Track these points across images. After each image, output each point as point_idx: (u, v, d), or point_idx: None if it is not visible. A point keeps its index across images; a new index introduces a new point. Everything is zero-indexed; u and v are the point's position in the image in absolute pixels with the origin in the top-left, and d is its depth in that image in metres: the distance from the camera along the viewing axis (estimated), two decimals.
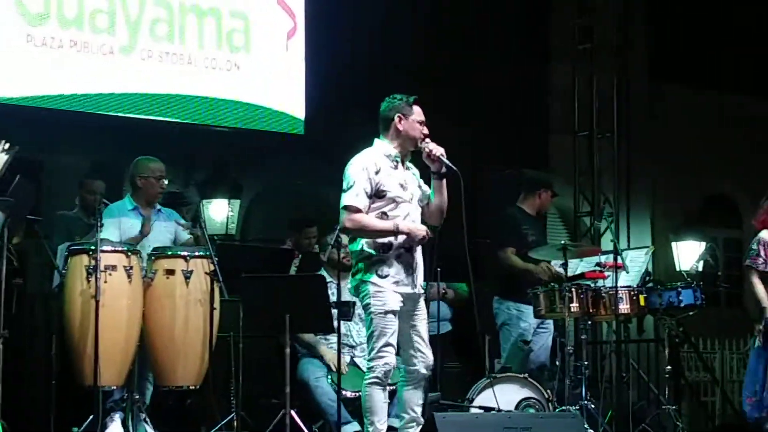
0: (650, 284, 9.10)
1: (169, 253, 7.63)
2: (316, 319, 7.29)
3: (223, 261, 7.53)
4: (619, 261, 8.48)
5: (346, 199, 6.42)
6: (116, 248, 7.38)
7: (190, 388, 7.59)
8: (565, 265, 8.28)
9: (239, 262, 7.71)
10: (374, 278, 6.38)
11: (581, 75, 13.79)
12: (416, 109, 6.55)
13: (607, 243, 11.85)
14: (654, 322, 11.08)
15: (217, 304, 7.54)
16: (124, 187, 8.79)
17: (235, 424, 7.58)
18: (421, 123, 6.53)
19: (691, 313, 9.06)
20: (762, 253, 8.40)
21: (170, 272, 7.51)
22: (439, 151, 6.46)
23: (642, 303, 8.65)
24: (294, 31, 11.54)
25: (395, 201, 6.46)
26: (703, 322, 11.28)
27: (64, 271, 7.39)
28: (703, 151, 16.11)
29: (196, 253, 7.59)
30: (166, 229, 8.04)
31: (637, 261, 9.10)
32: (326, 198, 12.09)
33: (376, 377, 6.37)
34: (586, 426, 7.63)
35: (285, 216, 11.03)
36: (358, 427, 7.66)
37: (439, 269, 7.95)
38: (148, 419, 7.44)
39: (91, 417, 7.15)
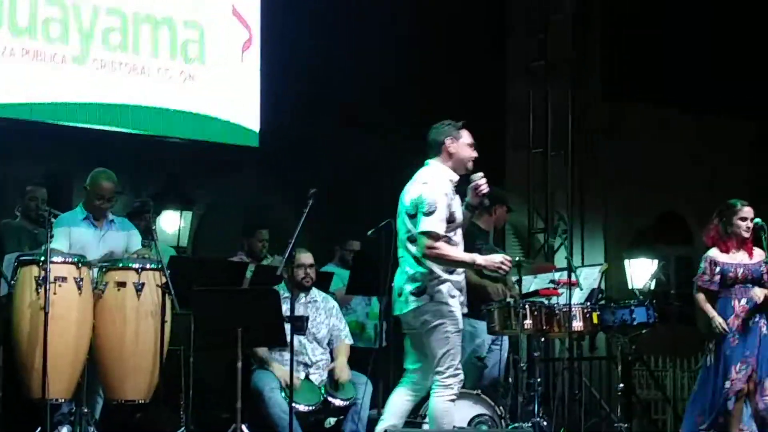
0: (602, 302, 9.10)
1: (120, 265, 7.54)
2: (268, 333, 7.22)
3: (176, 273, 7.45)
4: (573, 278, 8.47)
5: (428, 224, 6.44)
6: (66, 259, 7.28)
7: (140, 402, 7.49)
8: (519, 282, 8.27)
9: (191, 275, 7.62)
10: (447, 298, 6.50)
11: (536, 91, 13.82)
12: (465, 132, 6.72)
13: (561, 260, 11.86)
14: (606, 339, 11.09)
15: (168, 317, 7.45)
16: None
17: None
18: (470, 145, 6.71)
19: (643, 331, 9.08)
20: (708, 271, 8.43)
21: (121, 284, 7.42)
22: (486, 189, 6.68)
23: (595, 320, 8.64)
24: (249, 43, 11.50)
25: (459, 226, 6.64)
26: (654, 341, 11.31)
27: (12, 282, 7.27)
28: (656, 169, 16.21)
29: (148, 266, 7.51)
30: (118, 239, 7.94)
31: (590, 278, 9.11)
32: (278, 210, 12.07)
33: (455, 394, 6.52)
34: None
35: (237, 228, 10.96)
36: None
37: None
38: None
39: (38, 430, 7.05)
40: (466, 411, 8.01)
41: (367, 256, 8.48)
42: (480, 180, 6.69)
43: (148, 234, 7.94)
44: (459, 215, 6.62)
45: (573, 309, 8.37)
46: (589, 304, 8.64)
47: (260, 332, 7.18)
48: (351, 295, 9.23)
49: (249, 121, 11.42)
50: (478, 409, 8.04)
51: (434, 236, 6.42)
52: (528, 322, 8.19)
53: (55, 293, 7.07)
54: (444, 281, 6.50)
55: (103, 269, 7.51)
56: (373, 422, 7.79)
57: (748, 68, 16.43)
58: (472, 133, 6.76)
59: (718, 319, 8.28)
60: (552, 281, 8.69)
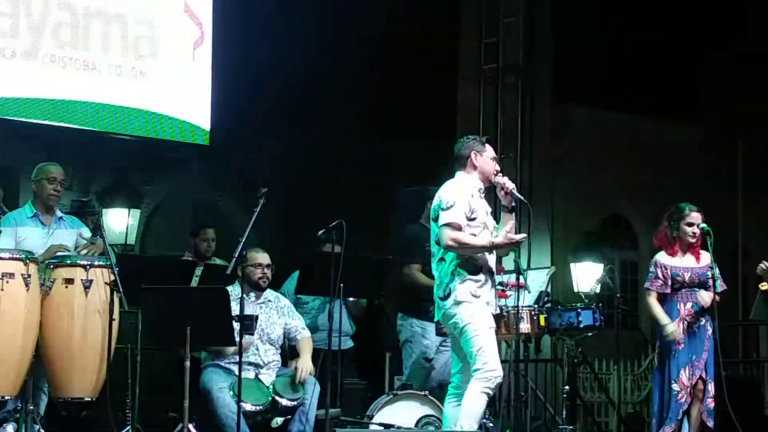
0: (548, 305, 9.15)
1: (69, 261, 7.47)
2: (217, 332, 7.20)
3: (124, 271, 7.41)
4: (521, 280, 8.51)
5: (448, 217, 6.72)
6: (14, 255, 7.20)
7: (86, 400, 7.43)
8: None
9: (140, 273, 7.57)
10: (470, 298, 6.73)
11: (487, 95, 13.87)
12: (488, 147, 7.02)
13: (508, 262, 11.89)
14: (552, 342, 11.15)
15: (116, 315, 7.41)
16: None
17: None
18: (493, 159, 7.00)
19: (589, 334, 9.13)
20: (660, 274, 8.47)
21: (69, 281, 7.35)
22: (511, 185, 6.89)
23: (542, 323, 8.69)
24: (201, 41, 11.47)
25: (484, 226, 6.85)
26: (598, 344, 11.39)
27: None
28: (603, 173, 16.34)
29: (96, 263, 7.46)
30: (67, 237, 7.89)
31: (537, 281, 9.15)
32: (227, 209, 12.05)
33: (490, 388, 6.69)
34: None
35: (186, 226, 10.92)
36: None
37: (342, 284, 7.91)
38: (42, 430, 7.30)
39: None
40: (414, 412, 8.05)
41: (317, 255, 8.48)
42: (501, 179, 6.91)
43: (97, 231, 7.89)
44: (483, 216, 6.85)
45: (521, 311, 8.41)
46: (536, 306, 8.69)
47: (209, 331, 7.16)
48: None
49: (200, 118, 11.38)
50: (426, 410, 8.08)
51: (455, 226, 6.69)
52: None
53: (2, 289, 7.00)
54: (465, 281, 6.73)
55: (51, 266, 7.44)
56: (320, 423, 7.81)
57: (694, 73, 16.63)
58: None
59: (672, 327, 8.33)
60: (500, 283, 8.72)
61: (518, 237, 6.84)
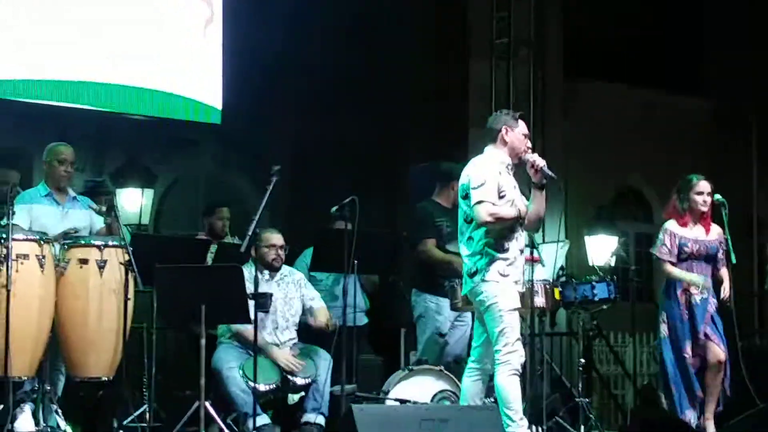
0: (563, 278, 9.15)
1: (83, 242, 7.51)
2: (232, 309, 7.22)
3: (138, 251, 7.43)
4: (536, 254, 8.50)
5: (480, 195, 6.73)
6: (28, 237, 7.23)
7: (103, 379, 7.47)
8: None
9: (154, 252, 7.59)
10: (497, 277, 6.75)
11: (499, 70, 13.82)
12: (521, 123, 7.01)
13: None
14: (567, 315, 11.16)
15: (131, 295, 7.43)
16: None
17: (148, 416, 7.50)
18: (525, 136, 6.98)
19: (604, 307, 9.13)
20: (667, 242, 8.43)
21: (84, 262, 7.38)
22: (541, 162, 6.86)
23: (557, 296, 8.68)
24: (212, 19, 11.45)
25: (513, 202, 6.85)
26: (614, 316, 11.40)
27: None
28: (615, 146, 16.31)
29: (111, 243, 7.48)
30: (82, 217, 7.91)
31: (552, 254, 9.14)
32: (240, 188, 12.07)
33: (515, 369, 6.73)
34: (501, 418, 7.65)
35: (199, 206, 10.95)
36: (268, 420, 7.65)
37: (356, 261, 7.92)
38: (59, 410, 7.33)
39: (0, 408, 7.02)
40: (429, 386, 8.07)
41: (329, 232, 8.50)
42: (531, 156, 6.90)
43: (111, 212, 7.91)
44: (511, 192, 6.85)
45: (536, 285, 8.41)
46: (551, 280, 8.69)
47: (223, 309, 7.18)
48: None
49: (212, 98, 11.37)
50: (441, 385, 8.10)
51: (488, 203, 6.70)
52: None
53: (17, 271, 7.01)
54: (495, 260, 6.75)
55: (66, 246, 7.46)
56: (336, 399, 7.83)
57: (706, 45, 16.56)
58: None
59: (703, 278, 8.31)
60: None
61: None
